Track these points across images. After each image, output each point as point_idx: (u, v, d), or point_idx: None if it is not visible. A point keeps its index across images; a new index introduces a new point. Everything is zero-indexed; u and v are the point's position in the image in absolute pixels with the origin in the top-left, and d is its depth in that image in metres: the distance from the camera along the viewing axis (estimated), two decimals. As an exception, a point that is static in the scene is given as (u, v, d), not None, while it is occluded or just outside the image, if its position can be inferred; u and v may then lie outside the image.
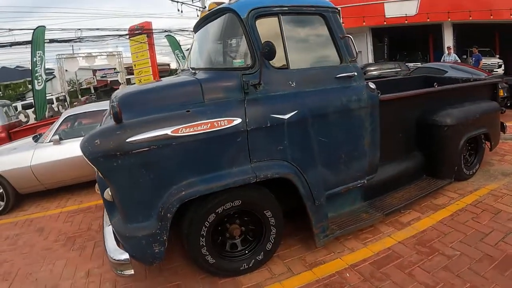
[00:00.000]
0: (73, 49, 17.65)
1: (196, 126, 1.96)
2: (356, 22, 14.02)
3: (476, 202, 3.14)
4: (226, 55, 2.51)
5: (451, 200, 3.26)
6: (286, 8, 2.33)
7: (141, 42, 14.02)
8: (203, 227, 2.14)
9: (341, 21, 2.62)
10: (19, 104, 14.76)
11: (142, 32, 14.01)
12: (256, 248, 2.36)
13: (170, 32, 15.69)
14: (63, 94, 17.14)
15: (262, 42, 2.11)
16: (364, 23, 14.26)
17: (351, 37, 2.52)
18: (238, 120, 2.04)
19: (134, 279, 2.47)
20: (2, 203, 4.15)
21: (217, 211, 2.14)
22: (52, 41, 12.01)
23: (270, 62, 2.26)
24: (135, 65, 14.73)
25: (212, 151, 2.02)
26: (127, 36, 14.38)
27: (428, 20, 13.80)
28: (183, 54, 15.83)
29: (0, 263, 2.92)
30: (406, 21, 14.10)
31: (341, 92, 2.45)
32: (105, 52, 17.21)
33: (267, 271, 2.39)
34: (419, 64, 10.83)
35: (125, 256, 1.99)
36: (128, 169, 1.89)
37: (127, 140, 1.85)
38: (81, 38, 12.90)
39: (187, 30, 16.26)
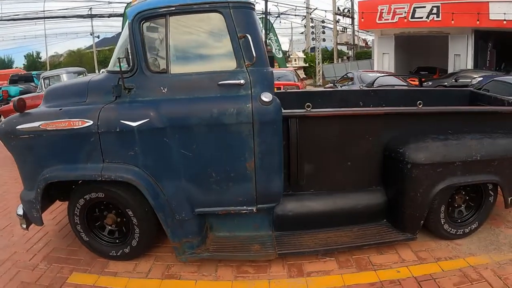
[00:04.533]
0: None
1: (58, 123, 2.02)
2: (456, 21, 10.85)
3: (426, 278, 2.06)
4: (117, 58, 2.41)
5: (398, 262, 2.24)
6: (174, 8, 2.00)
7: None
8: (76, 208, 2.23)
9: (254, 17, 2.07)
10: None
11: None
12: (125, 241, 2.29)
13: (270, 15, 15.44)
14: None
15: (126, 48, 1.95)
16: (464, 23, 10.77)
17: (249, 36, 1.96)
18: (90, 122, 1.99)
19: (59, 235, 2.77)
20: None
21: (85, 197, 2.19)
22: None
23: (150, 66, 2.06)
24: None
25: (71, 146, 2.06)
26: None
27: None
28: (277, 37, 15.42)
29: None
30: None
31: (217, 102, 1.98)
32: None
33: (134, 264, 2.29)
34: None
35: (20, 212, 2.33)
36: (19, 148, 2.17)
37: (16, 127, 2.11)
38: None
39: (287, 14, 15.59)
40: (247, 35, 1.97)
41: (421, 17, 12.45)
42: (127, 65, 2.01)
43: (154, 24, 2.06)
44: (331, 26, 18.67)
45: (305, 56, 20.29)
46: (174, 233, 2.12)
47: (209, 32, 2.10)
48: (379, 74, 6.75)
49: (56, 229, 2.84)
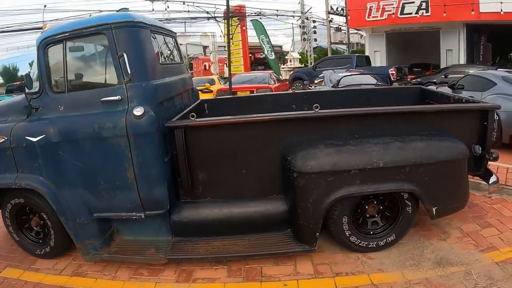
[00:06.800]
0: (185, 27, 18.96)
1: None
2: (445, 15, 10.68)
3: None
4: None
5: (291, 275, 2.23)
6: (68, 34, 2.28)
7: (232, 25, 14.41)
8: (6, 211, 2.62)
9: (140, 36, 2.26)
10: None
11: (235, 15, 14.34)
12: (45, 241, 2.62)
13: (264, 16, 15.48)
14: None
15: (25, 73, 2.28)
16: (454, 17, 10.67)
17: (125, 54, 2.16)
18: (5, 138, 2.35)
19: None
20: None
21: (11, 202, 2.57)
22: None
23: (52, 87, 2.36)
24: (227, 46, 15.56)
25: None
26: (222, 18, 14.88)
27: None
28: (269, 39, 15.51)
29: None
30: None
31: (98, 117, 2.21)
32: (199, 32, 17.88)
33: (55, 262, 2.61)
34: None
35: None
36: None
37: None
38: (169, 19, 14.50)
39: (282, 15, 15.56)
40: (123, 53, 2.15)
41: (410, 13, 12.15)
42: (27, 88, 2.33)
43: (55, 49, 2.35)
44: (325, 25, 18.27)
45: (300, 57, 20.01)
46: (77, 235, 2.38)
47: (97, 53, 2.36)
48: (344, 74, 6.42)
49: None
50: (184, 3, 15.28)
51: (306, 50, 20.27)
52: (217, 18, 15.66)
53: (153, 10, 15.55)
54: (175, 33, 3.16)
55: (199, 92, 8.50)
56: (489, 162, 2.59)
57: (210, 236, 2.44)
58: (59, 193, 2.34)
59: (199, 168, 2.37)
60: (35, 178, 2.36)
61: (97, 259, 2.44)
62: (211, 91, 8.87)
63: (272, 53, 16.28)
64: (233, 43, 14.53)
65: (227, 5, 6.04)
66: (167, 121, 2.36)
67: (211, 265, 2.38)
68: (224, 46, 17.41)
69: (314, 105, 2.25)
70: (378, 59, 14.11)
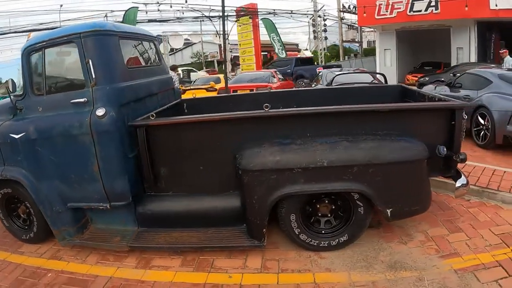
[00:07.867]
0: (200, 25, 19.59)
1: None
2: (456, 12, 10.59)
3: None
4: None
5: (239, 268, 2.38)
6: (45, 43, 2.58)
7: (244, 24, 14.64)
8: (-4, 200, 2.99)
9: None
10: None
11: (246, 14, 14.47)
12: (30, 227, 2.95)
13: (275, 14, 15.67)
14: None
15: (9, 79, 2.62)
16: (464, 15, 10.55)
17: (90, 60, 2.42)
18: None
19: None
20: None
21: (0, 191, 2.92)
22: (151, 21, 14.26)
23: (34, 90, 2.66)
24: (240, 45, 15.88)
25: None
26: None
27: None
28: (279, 37, 15.68)
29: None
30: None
31: (68, 117, 2.49)
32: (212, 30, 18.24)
33: (38, 247, 2.94)
34: None
35: None
36: None
37: None
38: (180, 18, 14.87)
39: (294, 13, 15.70)
40: (89, 59, 2.41)
41: (420, 10, 11.95)
42: (11, 91, 2.66)
43: (36, 56, 2.66)
44: (337, 24, 18.13)
45: (313, 55, 19.97)
46: (53, 222, 2.69)
47: (70, 59, 2.65)
48: (337, 72, 6.39)
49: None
50: (171, 6, 15.70)
51: (321, 49, 20.31)
52: (215, 18, 15.97)
53: (146, 13, 16.10)
54: (155, 37, 3.40)
55: (204, 90, 8.81)
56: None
57: (171, 227, 2.65)
58: (38, 184, 2.65)
59: (161, 164, 2.58)
60: (18, 171, 2.69)
61: (71, 244, 2.74)
62: (216, 90, 9.13)
63: (283, 51, 16.47)
64: (233, 43, 14.81)
65: (222, 5, 6.26)
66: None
67: (169, 255, 2.59)
68: (237, 44, 17.80)
69: (264, 105, 2.37)
70: (388, 57, 13.89)
